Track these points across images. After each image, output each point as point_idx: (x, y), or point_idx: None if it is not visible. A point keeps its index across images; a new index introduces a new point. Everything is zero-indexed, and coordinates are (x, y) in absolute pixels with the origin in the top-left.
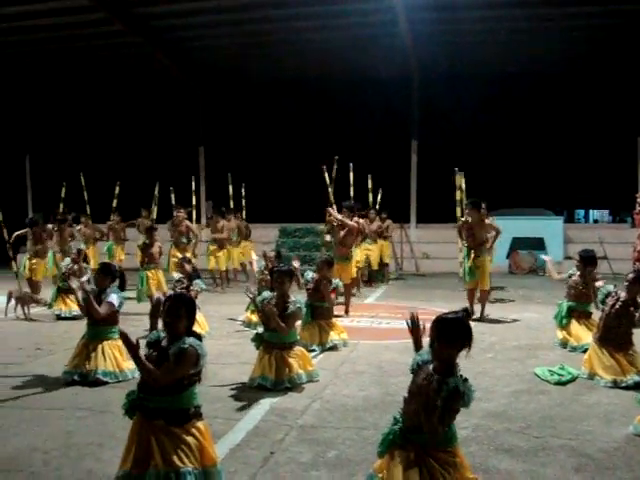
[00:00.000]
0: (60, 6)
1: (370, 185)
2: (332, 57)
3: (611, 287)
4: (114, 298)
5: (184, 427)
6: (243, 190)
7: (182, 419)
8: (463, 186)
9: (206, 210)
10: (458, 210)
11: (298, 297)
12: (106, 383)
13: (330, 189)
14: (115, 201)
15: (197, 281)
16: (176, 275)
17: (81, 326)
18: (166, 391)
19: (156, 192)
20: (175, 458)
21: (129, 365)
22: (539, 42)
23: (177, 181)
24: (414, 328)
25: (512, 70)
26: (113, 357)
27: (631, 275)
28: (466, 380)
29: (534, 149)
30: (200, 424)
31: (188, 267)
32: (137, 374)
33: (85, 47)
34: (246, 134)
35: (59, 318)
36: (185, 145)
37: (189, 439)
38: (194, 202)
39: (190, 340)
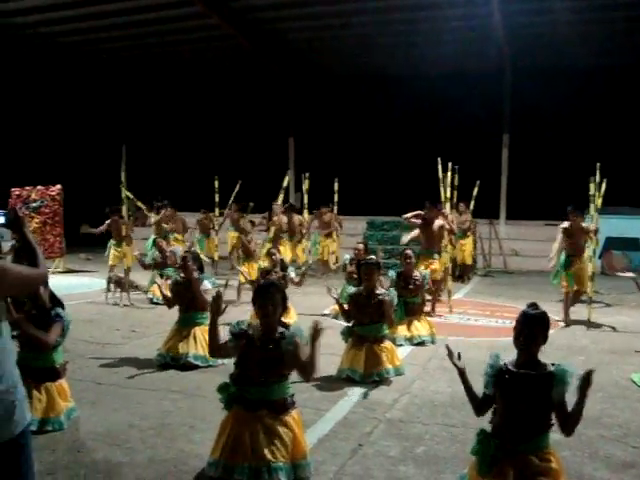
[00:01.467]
0: (157, 2)
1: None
2: (423, 50)
3: None
4: (207, 284)
5: (281, 417)
6: (336, 184)
7: (282, 407)
8: (603, 187)
9: (295, 202)
10: (594, 216)
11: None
12: (196, 367)
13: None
14: (217, 195)
15: (290, 269)
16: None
17: (173, 311)
18: (268, 381)
19: (237, 188)
20: (267, 452)
21: None
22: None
23: (266, 173)
24: (452, 361)
25: (608, 62)
26: (204, 342)
27: None
28: (560, 365)
29: (629, 145)
30: (295, 413)
31: (276, 258)
32: (226, 360)
33: (181, 41)
34: (336, 128)
35: (152, 303)
36: (275, 137)
37: (283, 431)
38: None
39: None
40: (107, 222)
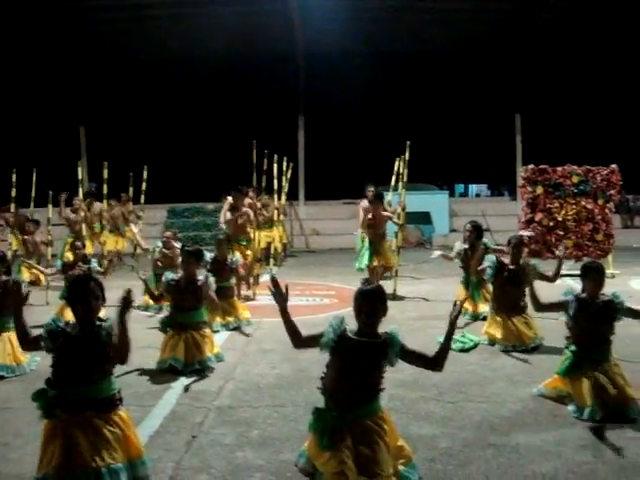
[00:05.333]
0: None
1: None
2: (218, 33)
3: (493, 257)
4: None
5: (109, 418)
6: (145, 172)
7: (110, 406)
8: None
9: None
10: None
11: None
12: (2, 378)
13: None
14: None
15: (93, 261)
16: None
17: None
18: (93, 379)
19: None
20: (105, 454)
21: (26, 357)
22: (434, 23)
23: (58, 163)
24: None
25: (399, 48)
26: (11, 349)
27: (513, 241)
28: (390, 332)
29: (415, 125)
30: (122, 412)
31: (80, 251)
32: (34, 366)
33: None
34: (132, 113)
35: None
36: (65, 125)
37: (114, 430)
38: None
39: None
40: None
